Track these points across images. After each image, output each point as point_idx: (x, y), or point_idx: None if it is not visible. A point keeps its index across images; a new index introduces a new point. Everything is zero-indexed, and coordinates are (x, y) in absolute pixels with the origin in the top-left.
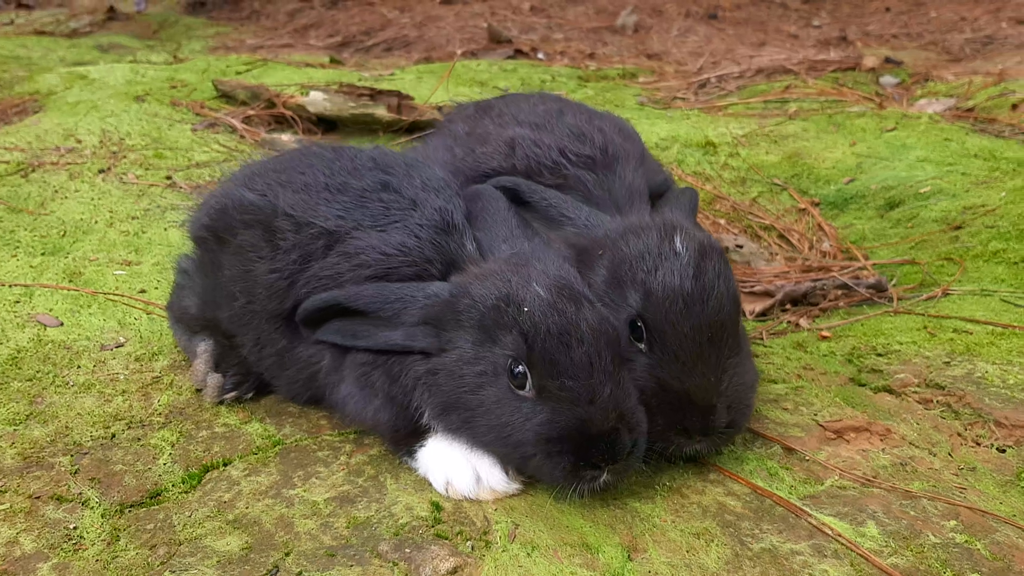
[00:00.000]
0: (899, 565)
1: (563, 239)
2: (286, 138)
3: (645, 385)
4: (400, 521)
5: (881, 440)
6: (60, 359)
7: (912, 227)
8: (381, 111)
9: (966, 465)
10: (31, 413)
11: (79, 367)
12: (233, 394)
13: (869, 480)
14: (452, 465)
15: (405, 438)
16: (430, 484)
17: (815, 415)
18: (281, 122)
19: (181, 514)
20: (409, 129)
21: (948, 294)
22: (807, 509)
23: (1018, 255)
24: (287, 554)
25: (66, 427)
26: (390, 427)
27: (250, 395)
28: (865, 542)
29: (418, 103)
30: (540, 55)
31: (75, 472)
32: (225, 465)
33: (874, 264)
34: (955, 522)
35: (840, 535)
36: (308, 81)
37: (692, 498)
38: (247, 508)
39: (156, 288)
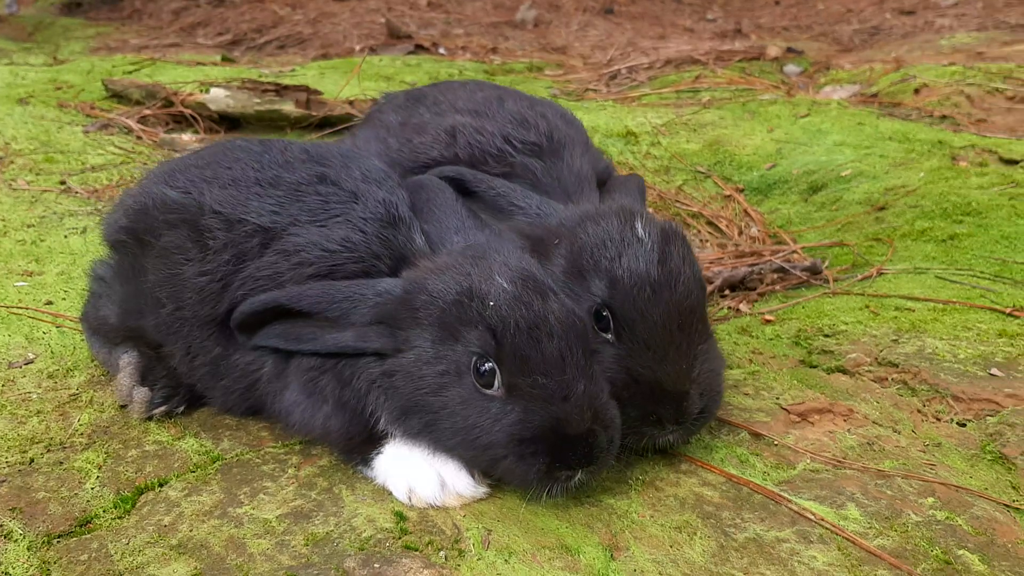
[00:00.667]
0: (886, 546)
1: (514, 229)
2: (186, 138)
3: (615, 377)
4: (364, 535)
5: (845, 421)
6: None
7: (837, 210)
8: (289, 107)
9: (931, 441)
10: None
11: None
12: (163, 408)
13: (840, 462)
14: (414, 471)
15: (359, 446)
16: (390, 493)
17: (777, 399)
18: (180, 121)
19: (117, 542)
20: (319, 125)
21: (882, 273)
22: (785, 495)
23: (944, 233)
24: None
25: None
26: (342, 435)
27: (181, 409)
28: (849, 525)
29: (327, 98)
30: (441, 50)
31: None
32: (161, 486)
33: (804, 247)
34: (932, 499)
35: (823, 519)
36: (205, 79)
37: (668, 491)
38: (191, 531)
39: (64, 299)
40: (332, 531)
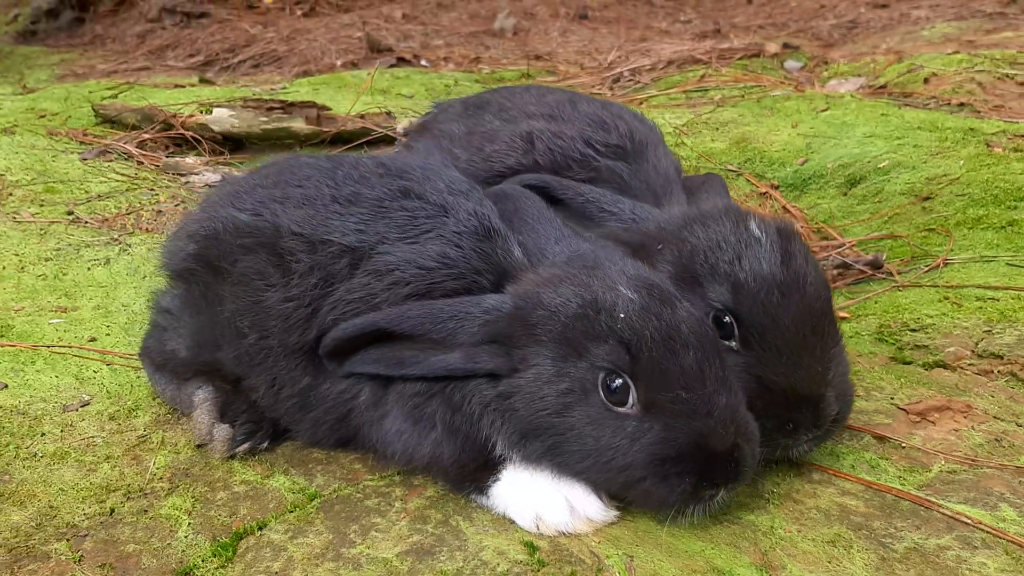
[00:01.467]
0: None
1: (610, 236)
2: (190, 161)
3: (744, 386)
4: (499, 569)
5: (965, 418)
6: (17, 427)
7: (879, 202)
8: (299, 124)
9: None
10: (1, 494)
11: (43, 434)
12: (246, 446)
13: (974, 461)
14: (539, 497)
15: (473, 473)
16: (513, 522)
17: (891, 399)
18: (181, 144)
19: None
20: (332, 141)
21: (948, 263)
22: (933, 499)
23: (1001, 219)
24: None
25: (50, 507)
26: (455, 462)
27: (265, 444)
28: (1009, 527)
29: (336, 114)
30: (423, 62)
31: (79, 559)
32: (260, 529)
33: (857, 242)
34: None
35: (981, 523)
36: (199, 99)
37: (808, 503)
38: None
39: (107, 335)
40: (462, 567)
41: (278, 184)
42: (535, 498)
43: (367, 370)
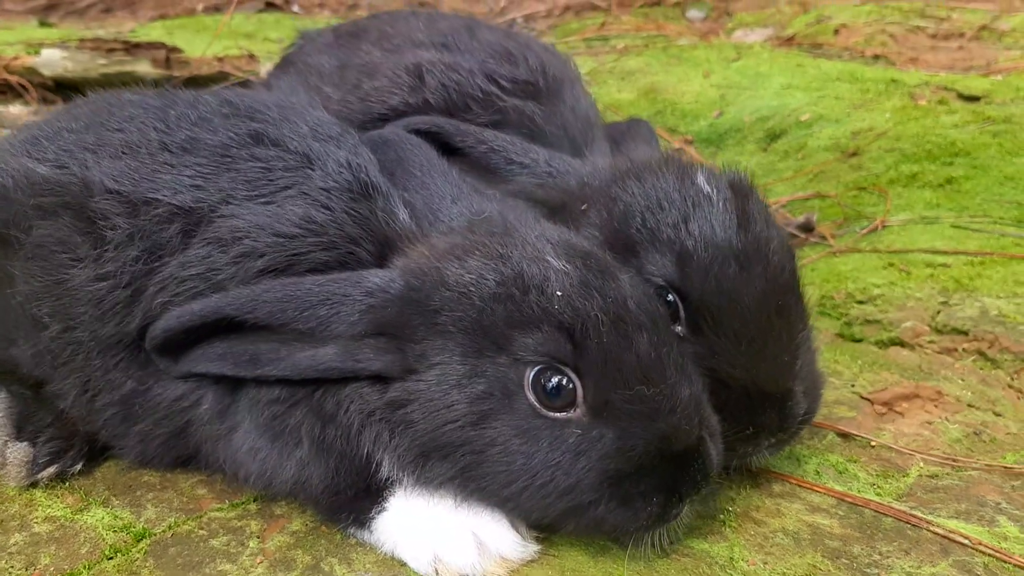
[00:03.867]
0: None
1: (520, 194)
2: (15, 110)
3: None
4: None
5: (937, 407)
6: None
7: (803, 158)
8: (145, 67)
9: None
10: None
11: None
12: (52, 469)
13: (955, 461)
14: (438, 531)
15: (351, 502)
16: (404, 564)
17: (852, 386)
18: (5, 92)
19: None
20: (185, 87)
21: (887, 225)
22: (919, 515)
23: (939, 176)
24: None
25: None
26: (326, 488)
27: (78, 466)
28: (1013, 547)
29: (190, 56)
30: (295, 7)
31: None
32: None
33: (786, 203)
34: None
35: (980, 543)
36: (31, 40)
37: (772, 524)
38: None
39: None
40: None
41: (92, 127)
42: (433, 533)
43: (210, 370)
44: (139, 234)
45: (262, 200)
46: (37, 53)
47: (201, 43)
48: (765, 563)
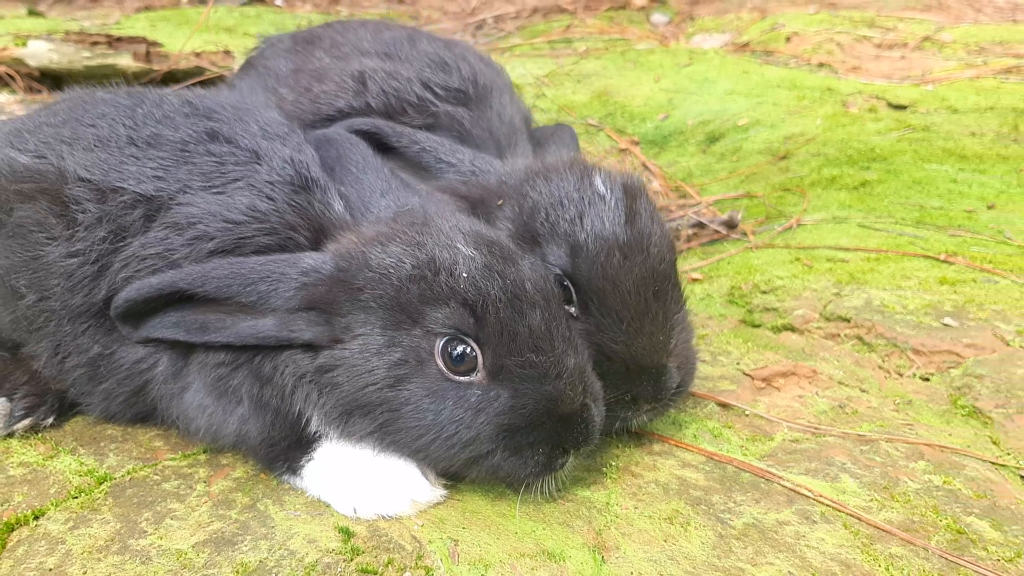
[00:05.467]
0: (893, 520)
1: (446, 190)
2: (2, 98)
3: None
4: (307, 560)
5: (810, 383)
6: None
7: (738, 160)
8: (126, 61)
9: (900, 399)
10: None
11: None
12: (27, 421)
13: (817, 429)
14: (358, 477)
15: (285, 452)
16: (329, 505)
17: (737, 364)
18: None
19: None
20: (163, 81)
21: (802, 224)
22: (774, 471)
23: (854, 180)
24: None
25: None
26: (263, 440)
27: (50, 420)
28: (848, 499)
29: (169, 51)
30: (278, 1)
31: None
32: (37, 518)
33: (714, 201)
34: (923, 463)
35: (821, 495)
36: (18, 32)
37: (647, 476)
38: (85, 573)
39: None
40: (266, 559)
41: (68, 122)
42: (353, 479)
43: (165, 336)
44: (106, 217)
45: (214, 191)
46: (24, 45)
47: (183, 36)
48: (636, 508)
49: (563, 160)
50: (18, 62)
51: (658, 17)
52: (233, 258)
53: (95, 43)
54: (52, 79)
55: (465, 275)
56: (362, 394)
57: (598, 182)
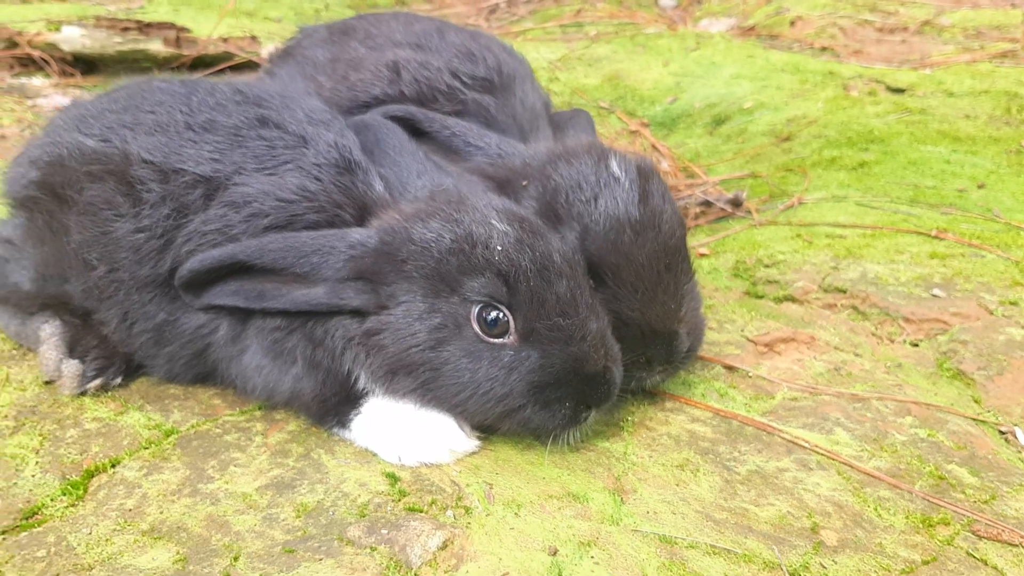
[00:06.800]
0: (882, 468)
1: (474, 171)
2: (38, 82)
3: None
4: (359, 500)
5: (809, 348)
6: None
7: (743, 142)
8: (157, 46)
9: (891, 362)
10: None
11: None
12: (98, 381)
13: (814, 389)
14: (401, 429)
15: (335, 407)
16: (375, 455)
17: (742, 331)
18: (27, 64)
19: (77, 532)
20: (192, 66)
21: (803, 203)
22: (775, 425)
23: (853, 160)
24: (235, 558)
25: None
26: (316, 396)
27: (118, 380)
28: (842, 449)
29: (197, 36)
30: None
31: None
32: (113, 466)
33: (720, 181)
34: (910, 418)
35: (817, 446)
36: (48, 16)
37: (660, 430)
38: (162, 513)
39: None
40: (323, 499)
41: (128, 109)
42: (398, 430)
43: (226, 302)
44: (169, 196)
45: (267, 172)
46: (57, 30)
47: (206, 20)
48: (650, 457)
49: (582, 144)
50: (52, 47)
51: (666, 1)
52: (287, 233)
53: (126, 29)
54: (84, 63)
55: (499, 248)
56: (406, 355)
57: (614, 165)
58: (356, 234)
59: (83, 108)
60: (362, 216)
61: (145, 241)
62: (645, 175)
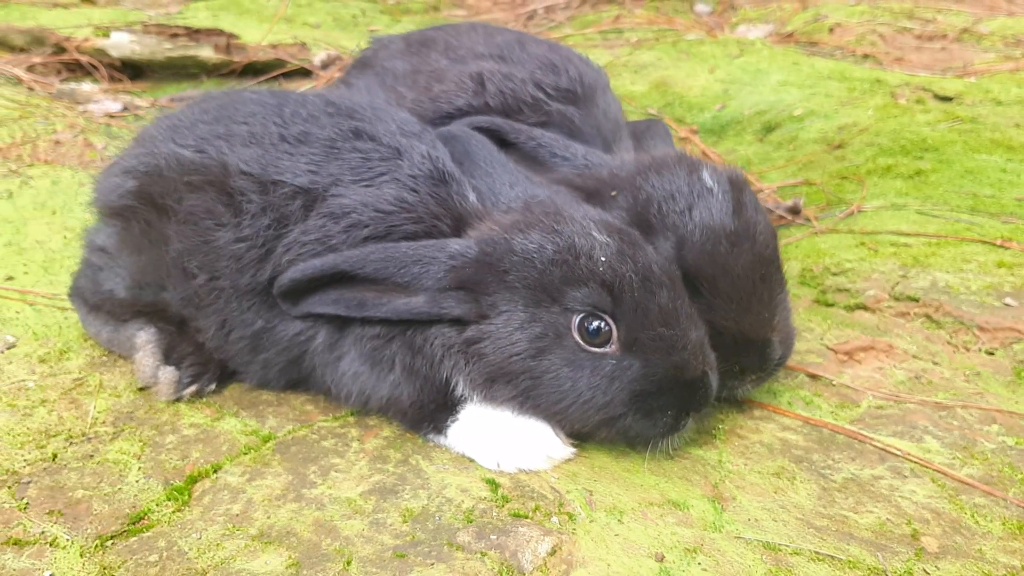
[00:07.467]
0: (975, 475)
1: (562, 181)
2: (87, 88)
3: None
4: (464, 506)
5: (888, 357)
6: None
7: (794, 149)
8: (207, 52)
9: (970, 371)
10: None
11: None
12: (193, 388)
13: (898, 397)
14: (499, 435)
15: (432, 413)
16: (472, 461)
17: (821, 339)
18: (75, 70)
19: (187, 537)
20: (242, 73)
21: (862, 211)
22: (865, 433)
23: (909, 169)
24: (348, 563)
25: None
26: (413, 403)
27: (212, 387)
28: (934, 457)
29: (246, 43)
30: None
31: (24, 507)
32: (216, 472)
33: (777, 188)
34: (997, 426)
35: (909, 454)
36: (89, 22)
37: (752, 438)
38: (269, 518)
39: (26, 273)
40: (428, 505)
41: (220, 120)
42: (496, 437)
43: (326, 311)
44: (269, 207)
45: (364, 184)
46: (106, 35)
47: (246, 26)
48: (746, 465)
49: (671, 155)
50: (100, 52)
51: (701, 7)
52: (386, 243)
53: (175, 35)
54: (132, 68)
55: (603, 259)
56: (507, 363)
57: (706, 176)
58: (455, 245)
59: (174, 119)
60: (458, 227)
61: (246, 251)
62: (737, 186)
